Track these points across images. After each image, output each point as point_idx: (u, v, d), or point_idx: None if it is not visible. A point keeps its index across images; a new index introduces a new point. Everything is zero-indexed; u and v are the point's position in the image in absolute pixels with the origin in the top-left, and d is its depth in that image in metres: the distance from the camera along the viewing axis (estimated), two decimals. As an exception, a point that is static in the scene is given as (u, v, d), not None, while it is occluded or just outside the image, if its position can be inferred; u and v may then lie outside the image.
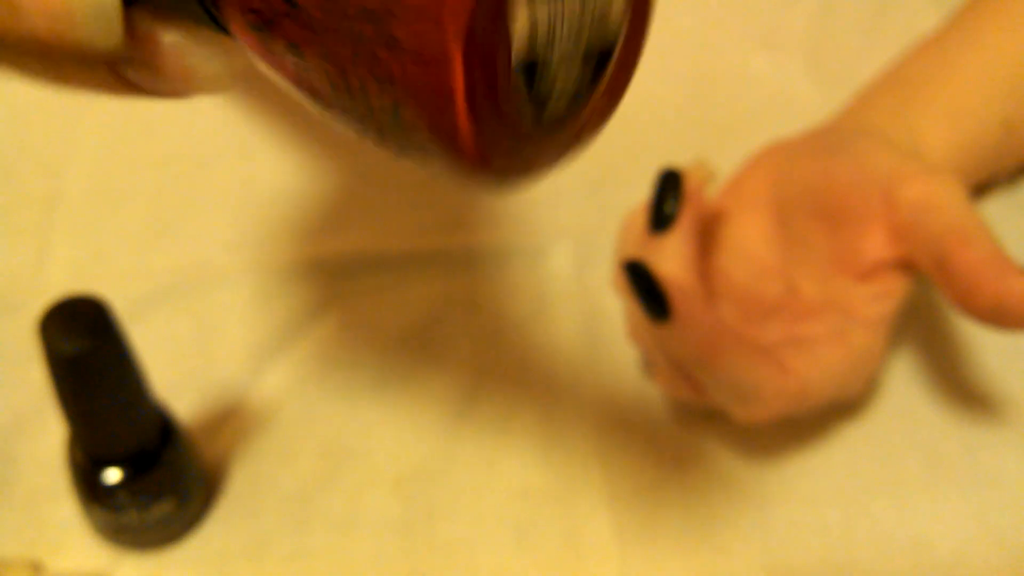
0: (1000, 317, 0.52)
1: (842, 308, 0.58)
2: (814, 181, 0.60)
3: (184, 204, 0.72)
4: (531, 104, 0.28)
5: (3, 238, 0.71)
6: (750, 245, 0.62)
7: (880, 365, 0.61)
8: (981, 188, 0.71)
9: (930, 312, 0.68)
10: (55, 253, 0.71)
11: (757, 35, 0.80)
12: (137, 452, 0.54)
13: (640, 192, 0.72)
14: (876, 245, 0.57)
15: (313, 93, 0.29)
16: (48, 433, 0.62)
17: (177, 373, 0.65)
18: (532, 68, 0.28)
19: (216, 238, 0.71)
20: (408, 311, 0.68)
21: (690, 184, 0.57)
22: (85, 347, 0.47)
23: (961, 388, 0.65)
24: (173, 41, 0.32)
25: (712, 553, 0.59)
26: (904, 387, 0.65)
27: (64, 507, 0.60)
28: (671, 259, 0.55)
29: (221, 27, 0.31)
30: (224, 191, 0.73)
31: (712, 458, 0.62)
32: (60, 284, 0.68)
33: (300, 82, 0.29)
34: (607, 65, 0.30)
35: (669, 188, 0.57)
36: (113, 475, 0.54)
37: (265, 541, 0.59)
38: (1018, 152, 0.69)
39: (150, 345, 0.65)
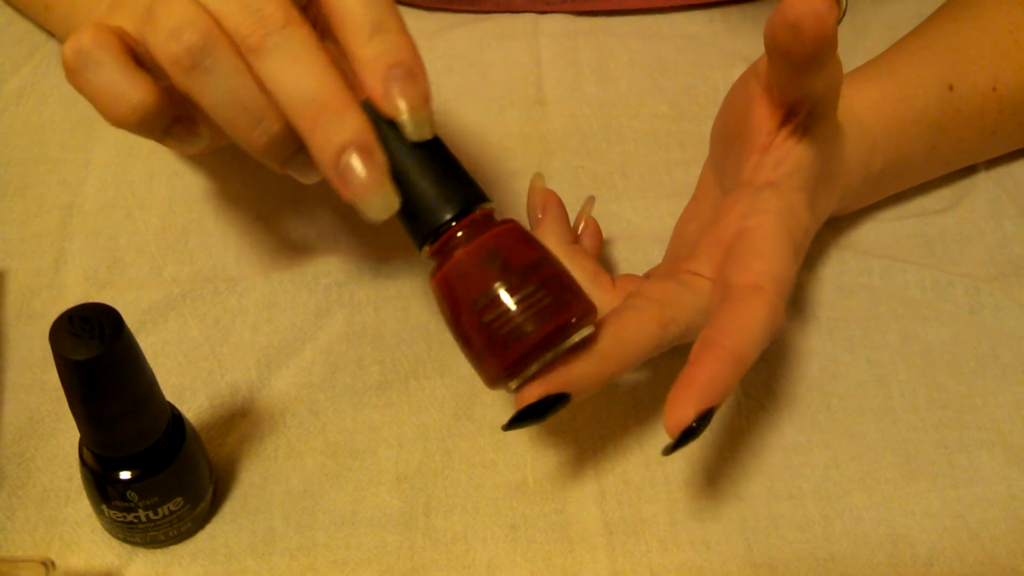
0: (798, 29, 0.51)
1: (754, 183, 0.60)
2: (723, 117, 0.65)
3: (196, 214, 0.73)
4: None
5: (21, 246, 0.72)
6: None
7: (807, 240, 0.62)
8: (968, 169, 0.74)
9: (908, 316, 0.69)
10: (71, 261, 0.71)
11: (740, 54, 0.82)
12: (147, 453, 0.55)
13: (630, 202, 0.74)
14: (763, 117, 0.60)
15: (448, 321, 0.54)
16: (62, 435, 0.63)
17: (188, 376, 0.66)
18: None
19: (227, 247, 0.72)
20: (409, 317, 0.69)
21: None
22: (96, 353, 0.48)
23: (937, 390, 0.66)
24: None
25: (697, 547, 0.60)
26: (881, 387, 0.66)
27: (76, 506, 0.61)
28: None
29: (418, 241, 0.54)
30: (234, 201, 0.74)
31: (698, 456, 0.63)
32: (76, 291, 0.69)
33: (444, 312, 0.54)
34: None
35: None
36: (124, 476, 0.55)
37: (272, 537, 0.60)
38: (964, 120, 0.71)
39: (163, 349, 0.67)
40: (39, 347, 0.67)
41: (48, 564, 0.57)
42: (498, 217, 0.54)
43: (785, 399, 0.66)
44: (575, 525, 0.61)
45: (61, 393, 0.51)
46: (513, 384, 0.53)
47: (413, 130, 0.51)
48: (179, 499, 0.58)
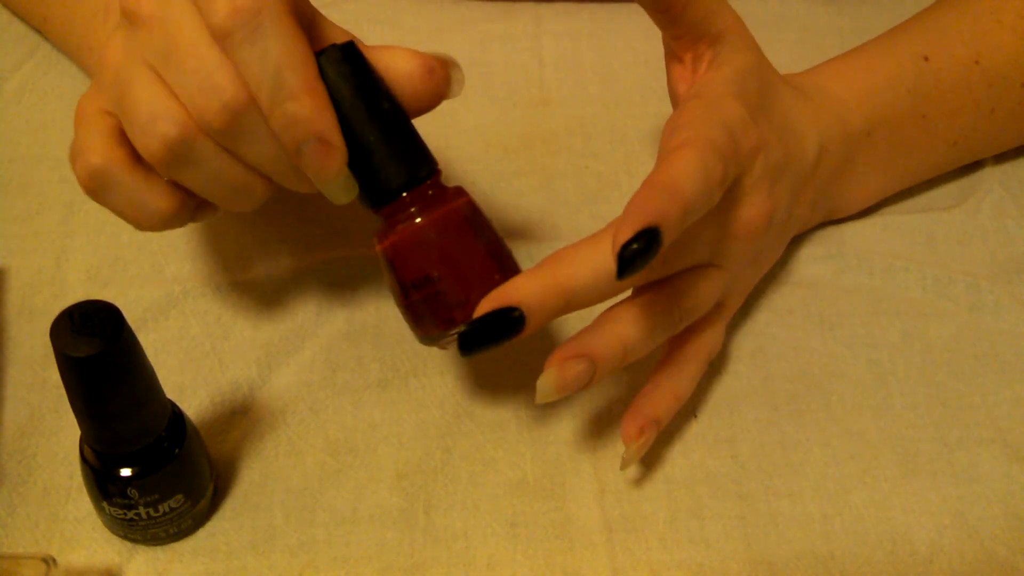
0: None
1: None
2: None
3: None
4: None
5: (22, 244, 0.72)
6: None
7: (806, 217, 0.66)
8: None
9: (909, 314, 0.69)
10: (73, 258, 0.71)
11: None
12: (148, 450, 0.55)
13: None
14: (679, 75, 0.65)
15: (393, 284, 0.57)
16: (63, 432, 0.64)
17: (189, 374, 0.66)
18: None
19: (228, 245, 0.72)
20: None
21: None
22: (96, 350, 0.48)
23: (937, 388, 0.66)
24: None
25: (697, 545, 0.60)
26: (881, 385, 0.66)
27: (77, 503, 0.61)
28: None
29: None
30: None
31: (697, 454, 0.64)
32: (78, 289, 0.70)
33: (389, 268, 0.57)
34: None
35: None
36: (124, 473, 0.55)
37: (272, 534, 0.61)
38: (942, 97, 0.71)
39: (164, 347, 0.67)
40: (40, 344, 0.67)
41: (49, 561, 0.57)
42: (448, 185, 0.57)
43: (785, 397, 0.66)
44: (575, 523, 0.61)
45: (62, 390, 0.52)
46: (446, 340, 0.57)
47: (333, 197, 0.55)
48: (179, 496, 0.58)
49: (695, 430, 0.64)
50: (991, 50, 0.70)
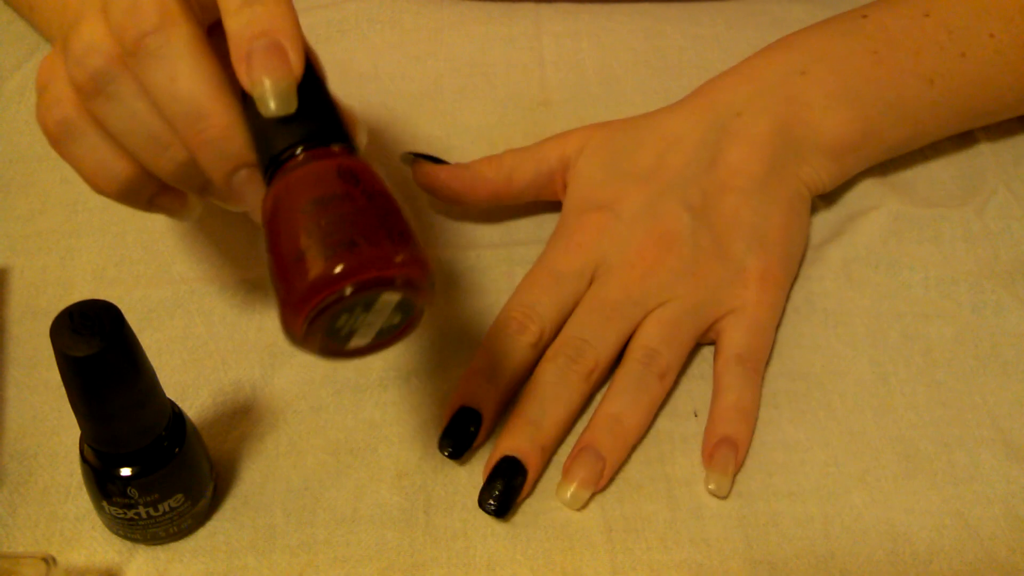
0: None
1: None
2: None
3: (204, 212, 0.72)
4: (340, 342, 0.49)
5: (27, 244, 0.72)
6: None
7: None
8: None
9: (911, 314, 0.69)
10: (79, 258, 0.72)
11: (742, 53, 0.80)
12: (148, 450, 0.55)
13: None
14: None
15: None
16: (64, 431, 0.64)
17: (192, 373, 0.67)
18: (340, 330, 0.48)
19: (233, 246, 0.72)
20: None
21: None
22: (96, 349, 0.48)
23: (937, 387, 0.66)
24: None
25: (697, 545, 0.60)
26: (882, 385, 0.66)
27: (77, 503, 0.61)
28: None
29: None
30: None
31: (696, 454, 0.64)
32: (83, 288, 0.70)
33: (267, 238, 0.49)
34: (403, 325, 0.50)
35: None
36: (124, 472, 0.55)
37: (272, 534, 0.61)
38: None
39: (168, 346, 0.67)
40: (44, 345, 0.66)
41: (49, 560, 0.57)
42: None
43: (785, 396, 0.66)
44: (575, 523, 0.61)
45: (64, 390, 0.51)
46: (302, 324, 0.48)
47: (274, 106, 0.49)
48: (180, 496, 0.58)
49: (695, 430, 0.64)
50: (940, 5, 0.72)
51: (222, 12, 0.50)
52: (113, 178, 0.54)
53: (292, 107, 0.49)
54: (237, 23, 0.49)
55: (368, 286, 0.46)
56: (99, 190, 0.55)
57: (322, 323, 0.47)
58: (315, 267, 0.46)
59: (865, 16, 0.73)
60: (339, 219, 0.47)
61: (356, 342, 0.49)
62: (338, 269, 0.46)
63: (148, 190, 0.56)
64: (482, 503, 0.60)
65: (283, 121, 0.49)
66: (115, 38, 0.50)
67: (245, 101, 0.50)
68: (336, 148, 0.50)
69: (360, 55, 0.82)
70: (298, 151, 0.49)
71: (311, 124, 0.50)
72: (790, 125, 0.70)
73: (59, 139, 0.54)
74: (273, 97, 0.49)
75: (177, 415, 0.57)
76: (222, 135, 0.49)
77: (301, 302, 0.46)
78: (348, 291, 0.46)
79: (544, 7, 0.85)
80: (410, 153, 0.72)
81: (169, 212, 0.58)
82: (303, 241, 0.46)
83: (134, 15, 0.49)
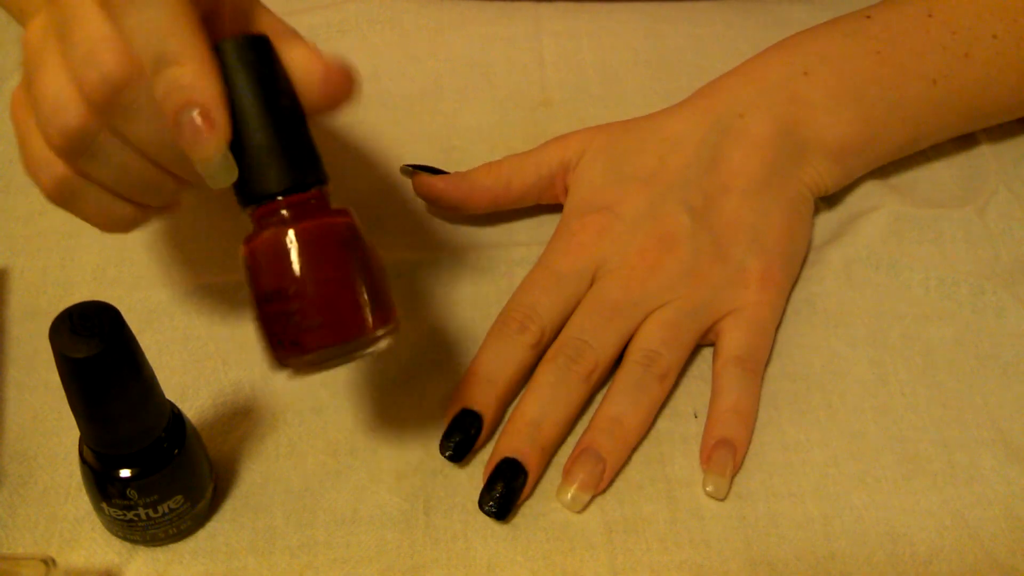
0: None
1: None
2: None
3: (201, 215, 0.73)
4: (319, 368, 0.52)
5: (27, 244, 0.72)
6: None
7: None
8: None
9: (911, 315, 0.69)
10: (78, 259, 0.72)
11: (742, 52, 0.80)
12: (147, 451, 0.55)
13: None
14: None
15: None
16: (63, 433, 0.64)
17: (192, 374, 0.66)
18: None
19: (231, 247, 0.71)
20: (411, 317, 0.69)
21: None
22: (95, 351, 0.48)
23: (937, 388, 0.66)
24: None
25: (697, 546, 0.60)
26: (882, 386, 0.66)
27: (77, 504, 0.61)
28: None
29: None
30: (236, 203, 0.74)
31: (697, 455, 0.64)
32: (84, 289, 0.70)
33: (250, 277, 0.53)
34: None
35: None
36: (123, 474, 0.55)
37: (272, 535, 0.61)
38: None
39: (167, 348, 0.67)
40: (44, 345, 0.66)
41: (49, 562, 0.57)
42: (335, 205, 0.52)
43: (785, 397, 0.66)
44: (575, 524, 0.61)
45: (63, 391, 0.51)
46: (291, 367, 0.52)
47: (212, 184, 0.50)
48: (179, 497, 0.58)
49: (695, 430, 0.64)
50: (943, 6, 0.72)
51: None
52: (119, 220, 0.54)
53: (230, 179, 0.50)
54: (159, 89, 0.47)
55: (340, 352, 0.51)
56: (108, 232, 0.55)
57: (302, 365, 0.52)
58: (290, 334, 0.51)
59: (869, 17, 0.73)
60: (307, 296, 0.51)
61: (335, 363, 0.52)
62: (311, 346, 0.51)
63: (151, 216, 0.56)
64: (482, 505, 0.60)
65: (264, 159, 0.50)
66: (80, 91, 0.48)
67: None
68: (315, 192, 0.51)
69: (360, 55, 0.82)
70: (279, 198, 0.51)
71: (290, 170, 0.51)
72: (792, 126, 0.70)
73: (62, 202, 0.53)
74: (209, 177, 0.49)
75: (177, 416, 0.57)
76: (219, 170, 0.49)
77: (281, 358, 0.52)
78: (320, 358, 0.51)
79: (544, 7, 0.85)
80: (409, 166, 0.73)
81: (171, 215, 0.57)
82: (279, 306, 0.51)
83: (92, 66, 0.47)
